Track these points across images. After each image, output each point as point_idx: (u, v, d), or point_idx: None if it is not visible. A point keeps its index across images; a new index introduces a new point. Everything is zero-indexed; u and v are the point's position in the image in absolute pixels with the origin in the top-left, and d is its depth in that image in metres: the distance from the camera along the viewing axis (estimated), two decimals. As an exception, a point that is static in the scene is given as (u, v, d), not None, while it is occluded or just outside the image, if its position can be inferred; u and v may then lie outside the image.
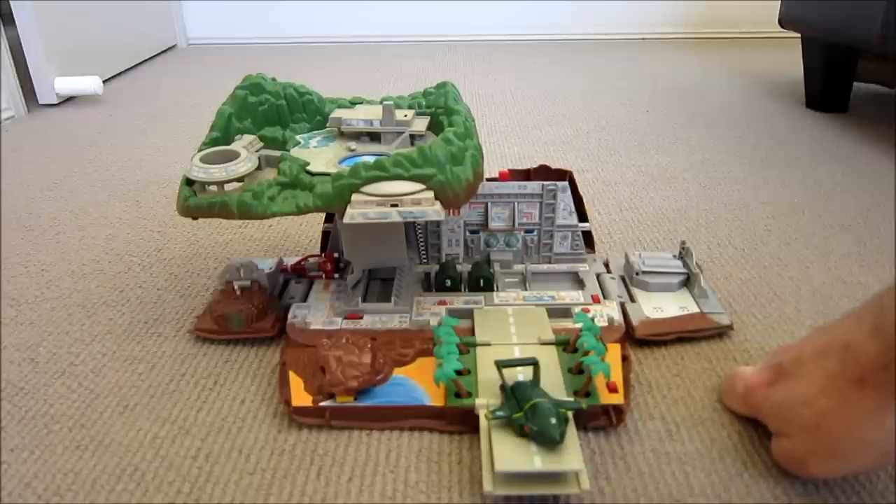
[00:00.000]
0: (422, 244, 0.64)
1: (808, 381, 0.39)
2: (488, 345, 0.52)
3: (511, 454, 0.41)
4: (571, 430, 0.42)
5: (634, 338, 0.55)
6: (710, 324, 0.56)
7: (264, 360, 0.54)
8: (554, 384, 0.47)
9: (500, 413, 0.43)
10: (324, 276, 0.62)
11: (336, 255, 0.63)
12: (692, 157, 1.00)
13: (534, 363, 0.45)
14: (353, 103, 0.64)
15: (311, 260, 0.63)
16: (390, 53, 1.76)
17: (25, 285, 0.66)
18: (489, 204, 0.63)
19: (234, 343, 0.56)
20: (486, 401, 0.45)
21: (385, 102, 0.60)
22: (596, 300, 0.58)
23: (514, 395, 0.44)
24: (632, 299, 0.59)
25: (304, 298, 0.60)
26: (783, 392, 0.41)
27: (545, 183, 0.62)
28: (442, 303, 0.58)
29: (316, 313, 0.57)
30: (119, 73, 1.55)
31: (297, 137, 0.61)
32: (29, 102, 1.27)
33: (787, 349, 0.43)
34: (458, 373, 0.47)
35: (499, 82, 1.45)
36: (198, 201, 0.51)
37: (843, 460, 0.39)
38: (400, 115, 0.59)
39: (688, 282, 0.60)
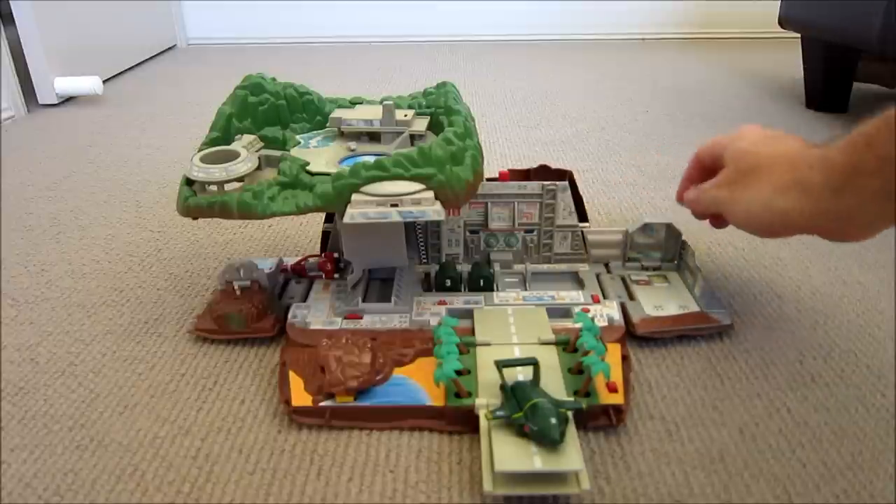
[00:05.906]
0: (422, 244, 0.64)
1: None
2: (488, 345, 0.52)
3: (511, 454, 0.41)
4: (571, 430, 0.42)
5: (635, 335, 0.55)
6: (710, 322, 0.56)
7: (264, 360, 0.54)
8: (554, 384, 0.47)
9: (500, 413, 0.43)
10: (324, 276, 0.62)
11: (336, 255, 0.63)
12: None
13: (534, 363, 0.45)
14: (353, 103, 0.64)
15: (311, 260, 0.63)
16: (390, 53, 1.76)
17: (25, 285, 0.66)
18: (489, 204, 0.63)
19: (234, 343, 0.56)
20: (486, 401, 0.45)
21: (385, 102, 0.60)
22: (596, 300, 0.58)
23: (514, 395, 0.44)
24: (631, 297, 0.59)
25: (304, 298, 0.60)
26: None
27: (545, 183, 0.62)
28: (442, 303, 0.58)
29: (316, 313, 0.57)
30: (119, 73, 1.55)
31: (297, 137, 0.61)
32: (29, 102, 1.27)
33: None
34: (458, 373, 0.47)
35: (499, 82, 1.45)
36: (198, 201, 0.51)
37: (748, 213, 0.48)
38: (400, 115, 0.59)
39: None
